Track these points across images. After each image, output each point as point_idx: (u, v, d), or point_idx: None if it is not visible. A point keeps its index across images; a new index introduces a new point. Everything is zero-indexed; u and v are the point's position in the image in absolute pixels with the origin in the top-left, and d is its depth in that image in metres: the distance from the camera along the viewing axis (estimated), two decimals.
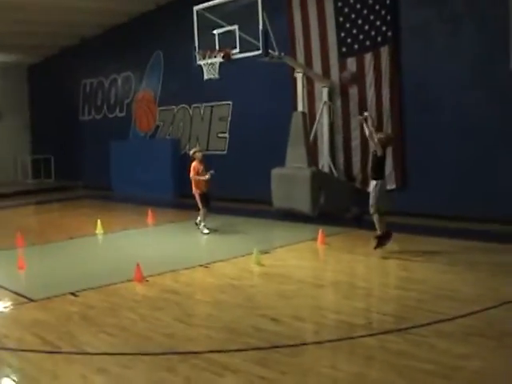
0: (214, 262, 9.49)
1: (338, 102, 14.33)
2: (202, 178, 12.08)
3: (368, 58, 13.51)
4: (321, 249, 10.39)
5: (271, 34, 12.29)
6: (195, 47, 12.97)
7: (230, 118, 17.42)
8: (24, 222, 15.39)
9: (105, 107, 22.64)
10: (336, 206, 13.13)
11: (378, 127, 13.08)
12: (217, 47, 12.49)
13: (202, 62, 12.67)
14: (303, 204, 13.14)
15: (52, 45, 23.38)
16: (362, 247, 10.09)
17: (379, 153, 9.70)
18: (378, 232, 9.70)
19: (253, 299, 7.52)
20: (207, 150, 18.06)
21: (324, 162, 14.43)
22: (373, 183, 9.80)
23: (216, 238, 12.08)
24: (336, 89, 14.28)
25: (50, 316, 7.32)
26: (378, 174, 9.79)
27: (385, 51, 13.17)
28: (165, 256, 10.34)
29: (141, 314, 7.01)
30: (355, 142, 14.07)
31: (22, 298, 7.88)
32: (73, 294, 7.96)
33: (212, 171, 12.13)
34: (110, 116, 22.37)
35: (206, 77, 12.66)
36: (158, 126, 20.17)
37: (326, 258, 9.89)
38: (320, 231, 10.62)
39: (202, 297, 7.73)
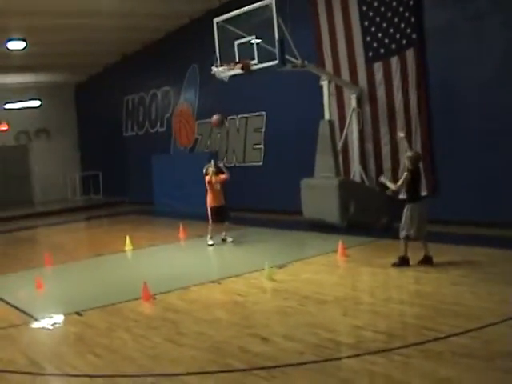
0: (228, 278, 9.34)
1: (367, 108, 13.91)
2: (215, 179, 12.37)
3: (394, 61, 13.06)
4: (340, 261, 10.03)
5: (291, 43, 12.07)
6: (216, 59, 12.83)
7: (264, 129, 17.20)
8: (60, 240, 15.60)
9: (146, 123, 22.84)
10: (366, 216, 12.69)
11: (407, 134, 12.66)
12: (236, 59, 12.32)
13: (222, 76, 12.50)
14: (332, 214, 12.80)
15: (96, 63, 23.84)
16: (383, 258, 9.61)
17: (407, 172, 9.14)
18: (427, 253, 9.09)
19: (250, 317, 7.29)
20: (243, 161, 17.96)
21: (355, 170, 14.06)
22: (406, 206, 9.15)
23: (238, 251, 11.97)
24: (364, 95, 13.88)
25: (49, 336, 7.35)
26: (408, 196, 9.21)
27: (410, 54, 12.70)
28: (180, 272, 10.24)
29: (134, 334, 6.91)
30: (386, 149, 13.60)
31: (28, 318, 7.95)
32: (78, 313, 7.95)
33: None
34: (152, 131, 22.53)
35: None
36: (196, 140, 20.17)
37: (341, 272, 9.50)
38: (340, 243, 10.28)
39: (201, 314, 7.53)
